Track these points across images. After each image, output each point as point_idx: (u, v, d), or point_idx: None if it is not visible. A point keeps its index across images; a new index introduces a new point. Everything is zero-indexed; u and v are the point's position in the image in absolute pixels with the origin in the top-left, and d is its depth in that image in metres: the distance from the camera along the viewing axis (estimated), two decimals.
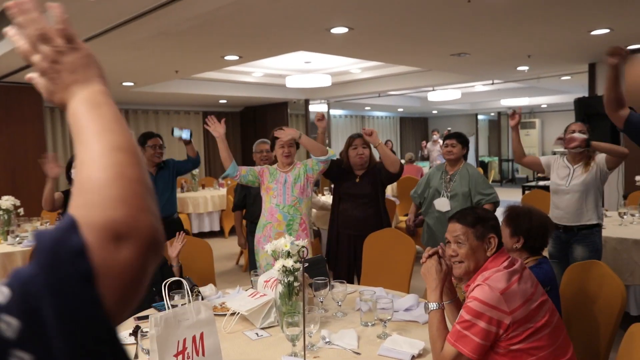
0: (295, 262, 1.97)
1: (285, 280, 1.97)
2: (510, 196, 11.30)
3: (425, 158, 12.20)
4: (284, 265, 1.94)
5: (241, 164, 3.55)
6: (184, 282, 1.64)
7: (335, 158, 3.30)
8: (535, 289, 1.59)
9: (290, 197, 3.17)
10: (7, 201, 4.24)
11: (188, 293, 1.58)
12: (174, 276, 2.78)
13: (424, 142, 11.75)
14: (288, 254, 1.98)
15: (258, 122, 11.06)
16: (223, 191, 8.26)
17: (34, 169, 5.94)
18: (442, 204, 3.55)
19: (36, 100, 6.63)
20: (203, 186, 8.80)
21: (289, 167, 3.25)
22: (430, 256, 1.78)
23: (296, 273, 1.98)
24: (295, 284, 1.99)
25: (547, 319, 1.57)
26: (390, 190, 8.77)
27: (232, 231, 8.08)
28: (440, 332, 1.62)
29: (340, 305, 2.24)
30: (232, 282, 5.49)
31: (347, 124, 14.48)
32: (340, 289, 2.25)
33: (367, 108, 13.94)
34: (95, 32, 3.80)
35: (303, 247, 2.01)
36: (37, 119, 6.68)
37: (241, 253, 6.39)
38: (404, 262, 3.09)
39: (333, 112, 13.17)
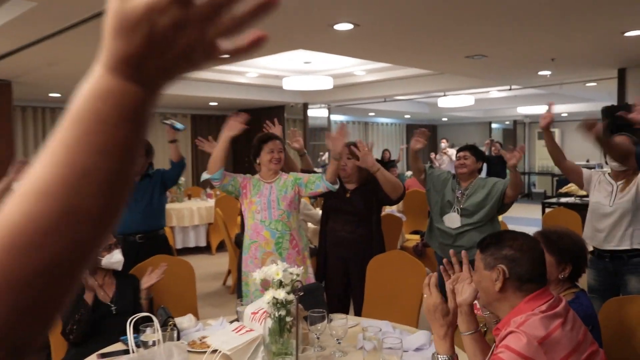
0: (288, 293, 1.83)
1: (276, 315, 1.82)
2: (528, 213, 11.16)
3: None
4: (274, 297, 1.79)
5: (232, 171, 3.40)
6: (154, 318, 1.48)
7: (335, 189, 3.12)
8: (584, 336, 1.43)
9: (276, 211, 3.02)
10: None
11: (158, 331, 1.42)
12: (142, 309, 2.63)
13: (432, 154, 11.62)
14: (280, 284, 1.83)
15: (252, 127, 10.92)
16: (211, 202, 8.09)
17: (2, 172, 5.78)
18: (452, 220, 3.43)
19: (6, 99, 6.50)
20: (189, 196, 8.64)
21: (274, 176, 3.10)
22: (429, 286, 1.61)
23: (289, 306, 1.83)
24: (288, 318, 1.84)
25: None
26: (395, 206, 8.64)
27: (220, 247, 7.91)
28: None
29: (339, 343, 2.09)
30: (218, 307, 5.33)
31: (350, 131, 14.37)
32: (340, 323, 2.10)
33: (371, 114, 13.85)
34: (73, 21, 3.67)
35: (297, 276, 1.86)
36: (4, 118, 6.54)
37: (229, 273, 6.22)
38: (412, 289, 2.94)
39: (334, 117, 13.07)
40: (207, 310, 5.20)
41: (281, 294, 1.79)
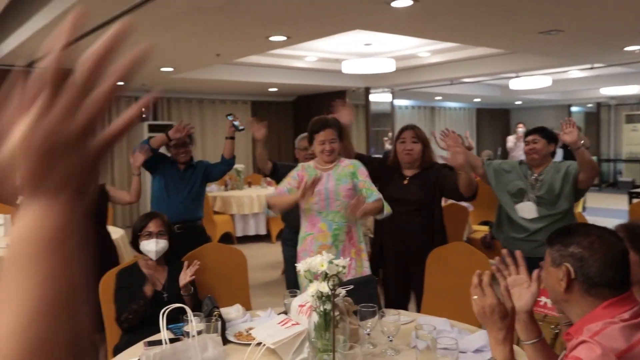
0: (333, 286, 1.76)
1: (321, 309, 1.76)
2: (612, 204, 10.51)
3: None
4: (318, 290, 1.73)
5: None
6: (187, 309, 1.46)
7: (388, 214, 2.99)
8: None
9: (334, 202, 2.94)
10: None
11: (192, 322, 1.40)
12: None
13: (510, 138, 11.02)
14: (325, 276, 1.76)
15: (313, 113, 10.92)
16: (271, 190, 8.17)
17: None
18: (527, 210, 3.22)
19: None
20: (249, 184, 8.77)
21: (330, 164, 3.02)
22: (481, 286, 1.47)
23: (335, 300, 1.77)
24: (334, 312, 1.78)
25: None
26: None
27: (280, 235, 7.98)
28: None
29: (391, 341, 2.00)
30: (276, 296, 5.35)
31: (414, 116, 14.06)
32: (392, 319, 2.01)
33: (437, 98, 13.47)
34: (123, 8, 3.76)
35: (343, 268, 1.78)
36: None
37: None
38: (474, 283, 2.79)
39: (398, 102, 12.82)
40: (265, 299, 5.24)
41: (325, 287, 1.73)
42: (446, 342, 1.79)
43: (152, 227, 2.76)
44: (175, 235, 3.71)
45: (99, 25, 4.19)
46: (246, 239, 8.13)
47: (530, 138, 3.23)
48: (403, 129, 3.22)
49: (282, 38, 5.05)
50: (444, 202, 3.99)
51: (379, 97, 10.59)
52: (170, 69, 6.99)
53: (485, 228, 6.17)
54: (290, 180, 3.03)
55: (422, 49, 7.59)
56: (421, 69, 8.65)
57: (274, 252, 7.51)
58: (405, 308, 3.16)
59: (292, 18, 4.34)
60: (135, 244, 2.77)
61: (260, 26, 4.59)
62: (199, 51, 5.76)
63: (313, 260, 1.78)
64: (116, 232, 4.52)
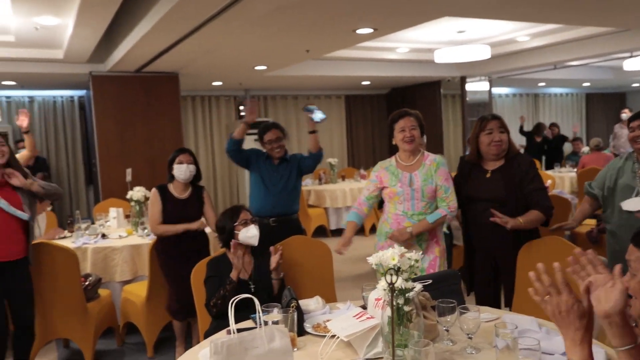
0: (406, 280, 1.71)
1: (394, 303, 1.71)
2: None
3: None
4: (390, 284, 1.68)
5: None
6: (255, 300, 1.49)
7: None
8: None
9: (420, 203, 2.86)
10: (139, 192, 4.65)
11: (259, 314, 1.42)
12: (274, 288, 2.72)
13: (619, 128, 10.09)
14: (397, 270, 1.71)
15: (407, 105, 10.74)
16: (364, 184, 8.17)
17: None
18: (634, 203, 2.91)
19: (174, 89, 7.25)
20: (343, 177, 8.83)
21: (413, 159, 2.93)
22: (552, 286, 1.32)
23: (408, 294, 1.72)
24: (407, 307, 1.72)
25: None
26: (568, 186, 7.82)
27: (373, 229, 7.95)
28: None
29: (471, 338, 1.91)
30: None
31: (516, 105, 13.34)
32: (472, 315, 1.91)
33: (541, 84, 12.68)
34: (215, 11, 3.91)
35: (416, 261, 1.73)
36: (174, 108, 7.30)
37: None
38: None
39: (496, 90, 12.23)
40: (353, 292, 5.24)
41: (398, 281, 1.68)
42: (529, 342, 1.67)
43: (245, 215, 2.85)
44: (270, 228, 3.84)
45: (192, 29, 4.41)
46: (340, 232, 8.20)
47: (635, 124, 2.90)
48: (486, 119, 3.00)
49: (369, 30, 4.99)
50: None
51: (476, 86, 10.17)
52: (264, 67, 7.19)
53: (592, 222, 5.73)
54: (369, 186, 2.99)
55: (521, 33, 7.16)
56: (521, 54, 8.17)
57: (367, 245, 7.48)
58: (496, 306, 3.00)
59: (378, 9, 4.27)
60: (229, 238, 2.84)
61: (346, 19, 4.57)
62: (288, 48, 5.86)
63: (384, 254, 1.74)
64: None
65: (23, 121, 4.54)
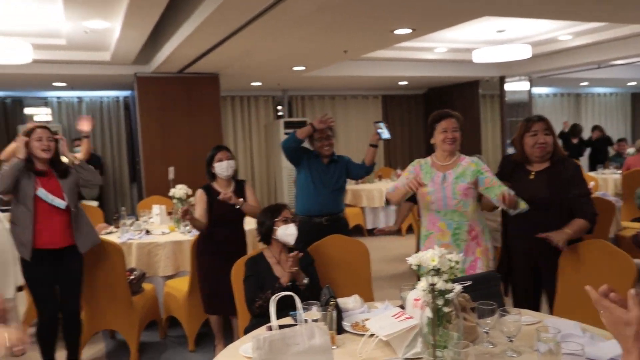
0: (446, 281, 1.69)
1: (433, 304, 1.70)
2: None
3: None
4: (430, 285, 1.68)
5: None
6: (296, 298, 1.50)
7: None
8: None
9: (452, 201, 2.82)
10: (181, 190, 4.75)
11: (299, 308, 1.44)
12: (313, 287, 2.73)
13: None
14: (437, 271, 1.70)
15: (444, 105, 10.60)
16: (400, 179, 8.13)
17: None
18: None
19: (214, 90, 7.37)
20: (380, 177, 8.79)
21: (450, 159, 2.90)
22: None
23: (448, 296, 1.70)
24: (447, 309, 1.71)
25: None
26: (612, 188, 7.57)
27: (410, 229, 7.89)
28: None
29: (512, 341, 1.88)
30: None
31: (557, 105, 12.98)
32: (513, 318, 1.88)
33: (583, 84, 12.30)
34: (255, 13, 3.96)
35: (457, 263, 1.71)
36: (215, 108, 7.42)
37: None
38: (616, 287, 2.51)
39: (537, 90, 11.94)
40: (390, 291, 5.21)
41: (438, 282, 1.67)
42: (572, 347, 1.64)
43: (287, 213, 2.88)
44: (322, 227, 3.87)
45: (233, 32, 4.47)
46: None
47: None
48: (531, 120, 2.94)
49: (407, 31, 4.96)
50: None
51: (515, 86, 9.96)
52: (302, 68, 7.23)
53: (638, 225, 5.54)
54: (408, 175, 2.97)
55: (563, 32, 6.97)
56: (563, 53, 7.96)
57: (403, 245, 7.45)
58: (536, 309, 2.94)
59: (416, 9, 4.24)
60: (269, 234, 2.88)
61: (384, 20, 4.55)
62: (327, 49, 5.88)
63: (424, 255, 1.73)
64: (251, 224, 4.79)
65: (84, 125, 4.72)
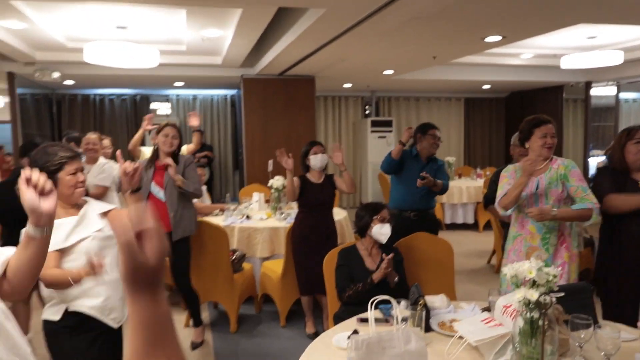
0: (542, 294, 1.53)
1: (527, 316, 1.54)
2: None
3: None
4: (526, 297, 1.52)
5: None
6: (392, 300, 1.41)
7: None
8: None
9: (543, 204, 2.58)
10: (278, 181, 4.79)
11: (397, 318, 1.35)
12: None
13: None
14: (533, 283, 1.54)
15: (525, 109, 9.96)
16: (480, 182, 7.76)
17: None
18: None
19: (310, 90, 7.38)
20: (459, 175, 8.44)
21: (541, 163, 2.64)
22: None
23: (543, 311, 1.53)
24: (540, 321, 1.54)
25: None
26: None
27: (487, 226, 7.51)
28: None
29: (608, 359, 1.67)
30: (480, 284, 5.06)
31: None
32: (610, 334, 1.67)
33: None
34: (351, 23, 3.87)
35: (554, 277, 1.53)
36: (310, 107, 7.45)
37: (493, 252, 5.85)
38: None
39: (624, 95, 10.85)
40: (469, 286, 4.99)
41: (534, 295, 1.51)
42: None
43: (385, 214, 2.80)
44: (410, 222, 3.77)
45: (329, 40, 4.40)
46: (454, 227, 7.88)
47: None
48: (635, 129, 2.63)
49: (498, 38, 4.64)
50: None
51: (601, 91, 9.11)
52: (391, 72, 7.05)
53: None
54: (509, 181, 2.73)
55: None
56: None
57: (481, 240, 7.11)
58: (632, 324, 2.64)
59: (509, 18, 3.94)
60: (365, 228, 2.81)
61: (475, 28, 4.29)
62: (416, 55, 5.67)
63: (521, 266, 1.57)
64: (340, 214, 4.75)
65: (194, 121, 4.89)
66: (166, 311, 0.71)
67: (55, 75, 6.48)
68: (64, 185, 1.92)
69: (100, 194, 3.85)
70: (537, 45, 6.56)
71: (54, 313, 1.94)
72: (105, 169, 4.00)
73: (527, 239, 2.64)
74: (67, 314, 1.93)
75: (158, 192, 3.38)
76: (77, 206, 1.98)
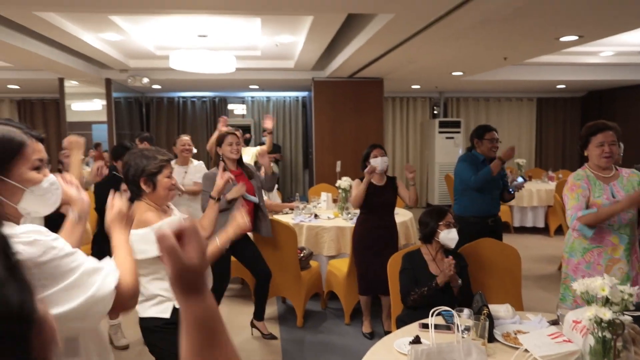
0: (616, 313, 1.41)
1: (599, 335, 1.44)
2: None
3: None
4: (597, 316, 1.41)
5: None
6: (455, 313, 1.36)
7: None
8: None
9: (626, 215, 2.38)
10: (345, 182, 4.80)
11: (458, 328, 1.30)
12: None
13: None
14: (606, 301, 1.43)
15: (604, 109, 9.26)
16: (552, 185, 7.31)
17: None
18: None
19: (378, 92, 7.32)
20: (529, 177, 7.99)
21: (609, 172, 2.44)
22: None
23: (618, 329, 1.42)
24: (618, 343, 1.43)
25: None
26: None
27: (558, 230, 7.07)
28: None
29: None
30: (549, 291, 4.77)
31: None
32: None
33: None
34: (421, 26, 3.78)
35: (630, 296, 1.41)
36: (378, 108, 7.38)
37: None
38: None
39: None
40: (536, 292, 4.73)
41: (607, 314, 1.40)
42: None
43: (450, 218, 2.72)
44: (488, 228, 3.65)
45: (398, 43, 4.33)
46: (523, 230, 7.48)
47: None
48: None
49: (574, 38, 4.34)
50: None
51: None
52: (460, 73, 6.82)
53: None
54: (582, 192, 2.53)
55: None
56: None
57: (552, 245, 6.70)
58: None
59: (586, 17, 3.67)
60: (432, 235, 2.74)
61: (550, 29, 4.04)
62: (486, 56, 5.44)
63: (592, 282, 1.46)
64: (405, 215, 4.67)
65: (269, 123, 5.02)
66: (215, 309, 0.71)
67: (145, 80, 6.92)
68: (162, 186, 1.96)
69: (198, 192, 4.05)
70: (618, 43, 6.07)
71: (162, 311, 1.95)
72: (202, 169, 4.27)
73: (609, 251, 2.44)
74: (175, 310, 1.95)
75: (247, 195, 3.48)
76: (165, 211, 2.03)
